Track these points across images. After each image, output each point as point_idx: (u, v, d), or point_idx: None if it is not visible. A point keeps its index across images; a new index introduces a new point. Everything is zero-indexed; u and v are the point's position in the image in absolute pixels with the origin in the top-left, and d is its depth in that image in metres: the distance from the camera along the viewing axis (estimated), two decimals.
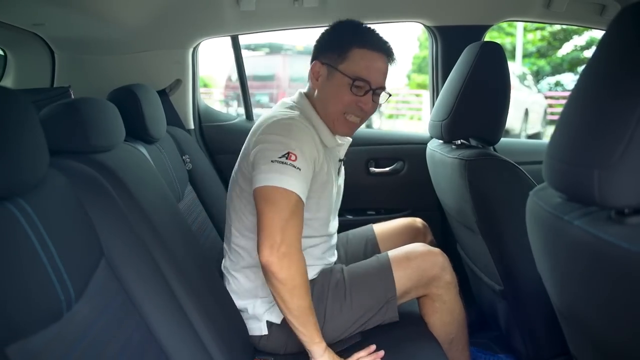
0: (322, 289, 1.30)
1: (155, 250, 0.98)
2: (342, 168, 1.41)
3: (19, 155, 0.71)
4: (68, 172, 0.90)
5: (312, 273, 1.30)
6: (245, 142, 1.27)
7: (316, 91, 1.26)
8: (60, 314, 0.73)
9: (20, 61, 1.82)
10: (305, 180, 1.12)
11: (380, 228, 1.65)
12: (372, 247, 1.59)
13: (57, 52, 1.80)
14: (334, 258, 1.43)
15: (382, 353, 1.18)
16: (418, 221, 1.67)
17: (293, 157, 1.10)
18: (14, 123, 0.72)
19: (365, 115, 1.26)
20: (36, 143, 0.76)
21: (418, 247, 1.36)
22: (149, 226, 1.01)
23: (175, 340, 0.94)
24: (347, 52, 1.21)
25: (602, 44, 0.67)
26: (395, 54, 1.26)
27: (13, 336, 0.63)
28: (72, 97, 1.51)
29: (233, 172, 1.31)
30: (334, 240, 1.41)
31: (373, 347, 1.19)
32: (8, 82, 1.81)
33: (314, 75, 1.26)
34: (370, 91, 1.22)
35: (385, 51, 1.23)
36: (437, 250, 1.34)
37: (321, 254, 1.35)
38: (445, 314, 1.32)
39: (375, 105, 1.26)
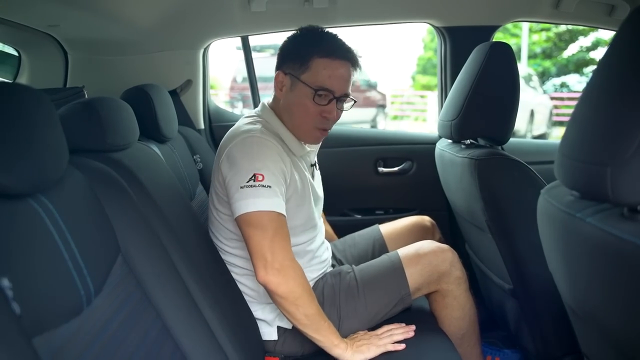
0: (333, 291, 1.31)
1: (170, 247, 1.00)
2: (317, 173, 1.41)
3: (42, 153, 0.73)
4: (86, 170, 0.91)
5: (312, 276, 1.33)
6: (215, 157, 1.27)
7: (281, 101, 1.27)
8: (80, 308, 0.74)
9: (34, 61, 1.83)
10: (278, 194, 1.14)
11: (387, 228, 1.65)
12: (379, 247, 1.59)
13: (71, 52, 1.81)
14: (327, 254, 1.43)
15: (413, 327, 1.21)
16: (426, 219, 1.67)
17: (260, 178, 1.11)
18: (37, 121, 0.74)
19: (331, 124, 1.26)
20: (57, 141, 0.78)
21: (427, 244, 1.37)
22: (164, 224, 1.03)
23: (190, 337, 0.95)
24: (309, 61, 1.20)
25: (614, 44, 0.68)
26: (358, 60, 1.24)
27: (39, 328, 0.64)
28: (86, 97, 1.53)
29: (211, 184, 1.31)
30: (318, 242, 1.39)
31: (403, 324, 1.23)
32: (22, 81, 1.83)
33: (277, 85, 1.26)
34: (334, 100, 1.22)
35: (348, 58, 1.22)
36: (446, 246, 1.36)
37: (309, 260, 1.34)
38: (456, 309, 1.33)
39: (340, 113, 1.26)
